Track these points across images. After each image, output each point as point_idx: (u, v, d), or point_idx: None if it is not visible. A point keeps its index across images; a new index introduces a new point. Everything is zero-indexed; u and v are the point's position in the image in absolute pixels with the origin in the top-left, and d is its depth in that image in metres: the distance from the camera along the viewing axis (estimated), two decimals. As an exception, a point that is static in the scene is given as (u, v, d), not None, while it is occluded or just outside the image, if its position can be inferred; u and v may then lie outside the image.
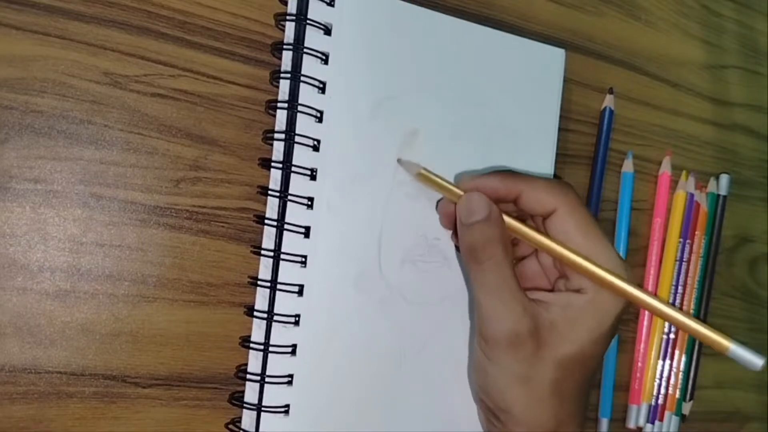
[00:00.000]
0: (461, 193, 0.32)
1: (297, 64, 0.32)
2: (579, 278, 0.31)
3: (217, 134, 0.32)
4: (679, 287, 0.45)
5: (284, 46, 0.32)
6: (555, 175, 0.40)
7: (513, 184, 0.32)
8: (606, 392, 0.42)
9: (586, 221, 0.31)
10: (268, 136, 0.32)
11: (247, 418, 0.31)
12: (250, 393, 0.31)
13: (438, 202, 0.35)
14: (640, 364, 0.44)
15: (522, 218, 0.33)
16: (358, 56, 0.33)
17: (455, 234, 0.35)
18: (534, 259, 0.34)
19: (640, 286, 0.30)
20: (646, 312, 0.44)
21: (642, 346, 0.44)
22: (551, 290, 0.33)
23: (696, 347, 0.46)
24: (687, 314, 0.30)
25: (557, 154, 0.39)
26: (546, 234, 0.32)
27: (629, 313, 0.44)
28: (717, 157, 0.49)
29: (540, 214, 0.32)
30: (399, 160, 0.34)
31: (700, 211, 0.46)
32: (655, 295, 0.31)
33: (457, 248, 0.36)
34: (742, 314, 0.51)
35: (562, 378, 0.30)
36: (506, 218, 0.32)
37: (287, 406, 0.31)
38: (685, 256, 0.45)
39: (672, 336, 0.45)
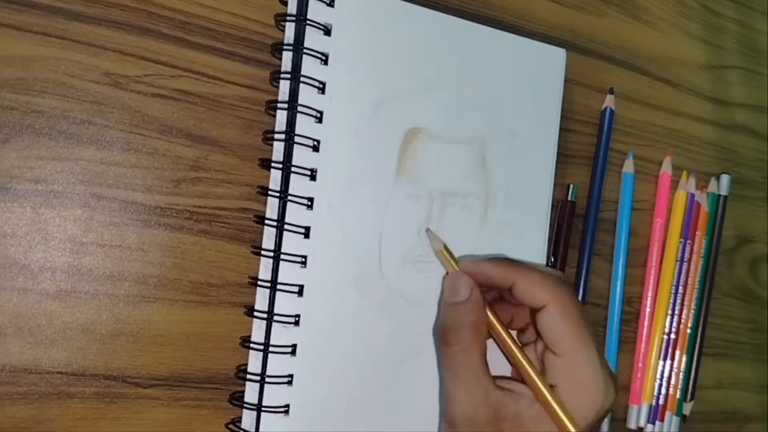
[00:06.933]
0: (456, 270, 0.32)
1: (297, 64, 0.32)
2: (555, 375, 0.31)
3: (217, 134, 0.32)
4: (680, 287, 0.45)
5: (284, 47, 0.32)
6: (552, 264, 0.39)
7: (507, 272, 0.31)
8: (606, 392, 0.42)
9: (575, 322, 0.31)
10: (268, 137, 0.32)
11: (247, 418, 0.31)
12: (250, 393, 0.31)
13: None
14: (640, 364, 0.44)
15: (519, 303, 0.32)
16: (357, 56, 0.33)
17: None
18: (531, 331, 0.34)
19: None
20: (646, 312, 0.44)
21: (642, 346, 0.44)
22: None
23: (696, 347, 0.46)
24: None
25: (558, 154, 0.39)
26: (519, 347, 0.31)
27: (630, 313, 0.44)
28: (717, 157, 0.49)
29: (531, 306, 0.32)
30: (427, 230, 0.34)
31: (700, 211, 0.46)
32: None
33: None
34: (743, 314, 0.51)
35: None
36: (490, 316, 0.32)
37: (287, 406, 0.31)
38: (686, 256, 0.45)
39: (672, 336, 0.45)
